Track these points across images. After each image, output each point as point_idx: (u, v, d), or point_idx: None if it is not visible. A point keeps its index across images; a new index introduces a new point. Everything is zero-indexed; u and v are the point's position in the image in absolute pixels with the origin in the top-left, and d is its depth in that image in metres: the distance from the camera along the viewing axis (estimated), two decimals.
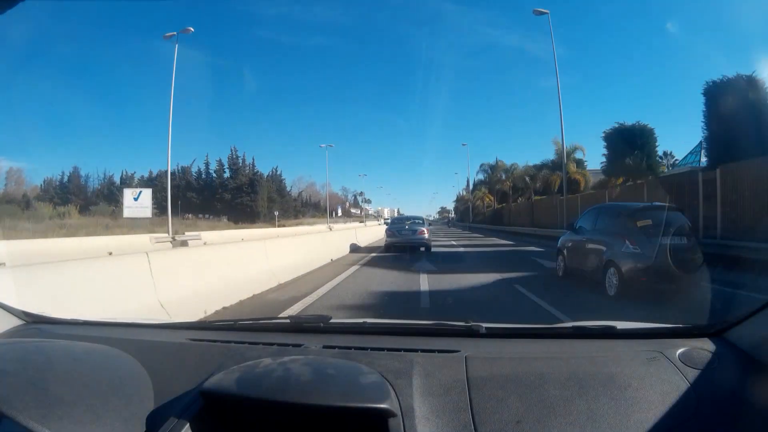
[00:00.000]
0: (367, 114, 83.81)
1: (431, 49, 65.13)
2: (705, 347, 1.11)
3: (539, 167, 30.01)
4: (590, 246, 6.69)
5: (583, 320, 1.39)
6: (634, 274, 5.45)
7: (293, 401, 0.89)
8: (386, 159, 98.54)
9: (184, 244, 16.78)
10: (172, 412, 0.92)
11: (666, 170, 19.55)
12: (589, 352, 1.17)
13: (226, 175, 52.08)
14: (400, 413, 0.88)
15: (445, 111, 67.59)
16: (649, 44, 53.16)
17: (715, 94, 13.07)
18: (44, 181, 47.44)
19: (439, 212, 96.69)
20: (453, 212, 76.81)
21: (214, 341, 1.37)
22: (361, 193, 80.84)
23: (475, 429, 0.86)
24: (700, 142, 22.83)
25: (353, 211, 77.48)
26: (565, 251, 7.58)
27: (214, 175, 52.54)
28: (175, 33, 17.98)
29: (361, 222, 53.13)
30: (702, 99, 12.84)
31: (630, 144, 16.32)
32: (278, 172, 57.60)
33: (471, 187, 50.63)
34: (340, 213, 62.56)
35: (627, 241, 5.65)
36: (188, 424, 0.89)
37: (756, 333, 1.08)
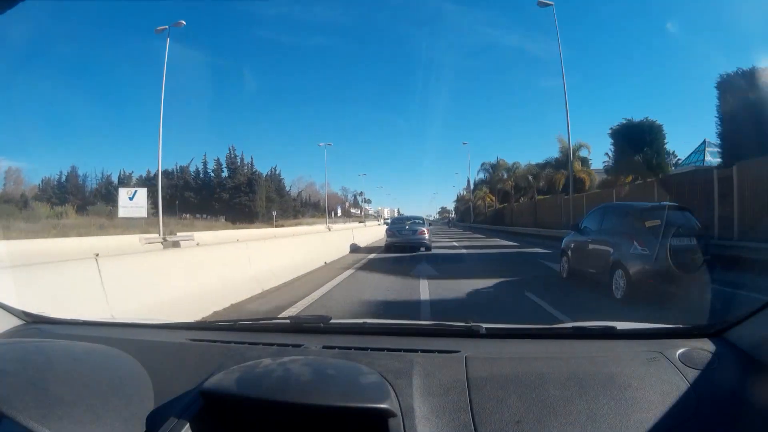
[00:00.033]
0: (367, 114, 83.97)
1: (431, 49, 65.41)
2: (705, 347, 1.11)
3: (542, 166, 29.53)
4: (596, 247, 6.55)
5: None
6: (642, 276, 5.33)
7: (293, 401, 0.89)
8: (386, 159, 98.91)
9: (176, 244, 16.25)
10: (172, 412, 0.92)
11: (671, 170, 18.96)
12: (589, 353, 1.17)
13: (225, 174, 51.62)
14: (400, 413, 0.88)
15: (445, 111, 68.02)
16: (649, 44, 54.31)
17: (729, 87, 12.48)
18: (42, 181, 47.73)
19: (439, 212, 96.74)
20: (453, 212, 76.81)
21: (214, 341, 1.38)
22: (361, 193, 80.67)
23: (475, 429, 0.86)
24: (704, 141, 22.25)
25: (353, 211, 77.22)
26: (569, 252, 7.44)
27: (212, 174, 52.40)
28: (166, 27, 17.49)
29: (360, 222, 52.88)
30: (713, 94, 12.30)
31: (638, 141, 15.73)
32: (277, 172, 57.39)
33: (472, 186, 50.23)
34: (339, 213, 62.28)
35: (635, 242, 5.51)
36: (188, 424, 0.89)
37: (756, 333, 1.08)
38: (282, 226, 38.61)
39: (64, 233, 22.05)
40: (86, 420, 0.87)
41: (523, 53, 62.04)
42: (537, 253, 12.95)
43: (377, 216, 76.63)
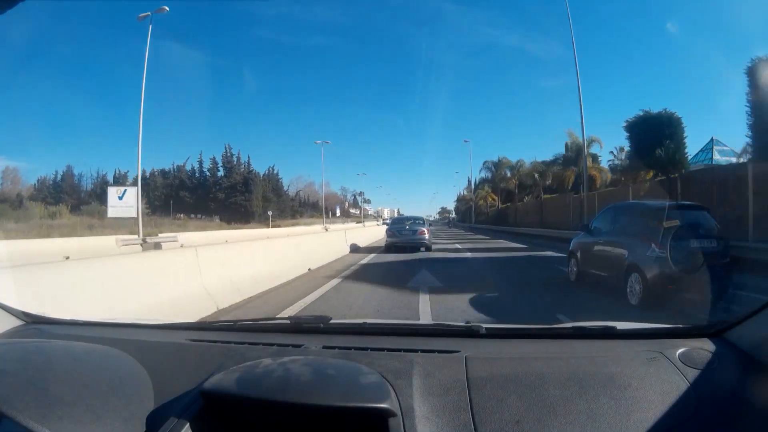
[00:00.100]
0: (367, 114, 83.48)
1: (431, 49, 65.06)
2: (705, 347, 1.12)
3: (549, 163, 28.36)
4: (608, 249, 6.25)
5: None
6: (660, 280, 5.02)
7: (293, 401, 0.90)
8: (386, 159, 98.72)
9: (157, 246, 14.99)
10: (172, 412, 0.93)
11: (689, 166, 17.79)
12: (589, 352, 1.18)
13: (220, 173, 50.42)
14: (400, 413, 0.89)
15: (446, 110, 67.89)
16: (650, 43, 53.74)
17: (761, 72, 11.20)
18: (38, 181, 47.84)
19: (439, 212, 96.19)
20: (453, 212, 76.28)
21: (214, 341, 1.39)
22: (361, 193, 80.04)
23: (475, 429, 0.88)
24: (712, 139, 21.01)
25: (352, 211, 76.41)
26: (578, 254, 7.17)
27: (208, 173, 51.16)
28: (149, 13, 16.42)
29: (359, 222, 51.84)
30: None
31: (657, 134, 14.45)
32: (275, 171, 56.62)
33: (473, 186, 49.06)
34: (338, 213, 61.54)
35: (653, 244, 5.19)
36: (188, 424, 0.90)
37: (756, 333, 1.09)
38: (278, 226, 37.91)
39: (50, 234, 21.47)
40: (86, 420, 0.88)
41: (523, 53, 61.95)
42: (550, 258, 12.01)
43: (377, 216, 76.05)
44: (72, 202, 39.92)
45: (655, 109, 15.06)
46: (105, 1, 41.35)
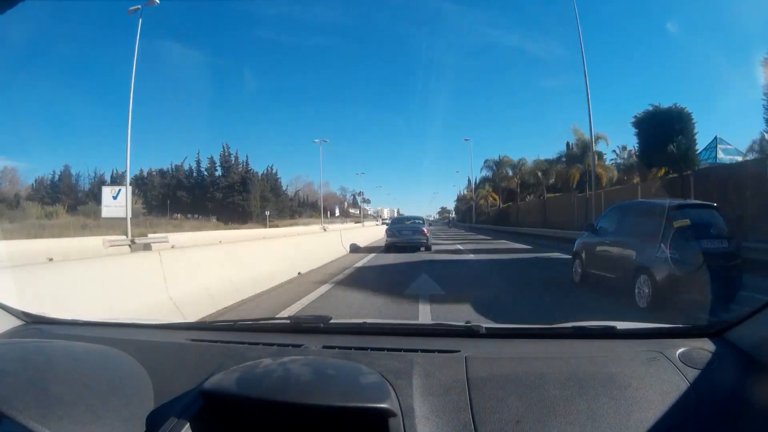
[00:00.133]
0: (367, 113, 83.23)
1: (431, 49, 64.84)
2: (705, 347, 1.12)
3: (552, 161, 27.71)
4: (615, 250, 6.11)
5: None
6: (670, 282, 4.88)
7: (293, 401, 0.90)
8: (386, 159, 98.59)
9: (146, 247, 14.36)
10: (172, 412, 0.94)
11: (699, 163, 17.18)
12: (589, 352, 1.18)
13: (218, 173, 49.76)
14: (400, 413, 0.89)
15: (446, 110, 67.67)
16: (650, 43, 53.69)
17: None
18: (36, 181, 47.97)
19: (439, 212, 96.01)
20: (453, 212, 75.75)
21: (214, 341, 1.39)
22: (360, 193, 79.76)
23: (475, 429, 0.88)
24: (716, 137, 20.35)
25: (352, 211, 75.86)
26: (583, 254, 7.03)
27: (206, 173, 50.54)
28: (139, 6, 15.81)
29: (358, 222, 51.24)
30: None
31: (667, 130, 13.86)
32: (274, 171, 56.02)
33: (474, 185, 48.45)
34: (337, 213, 60.90)
35: (662, 245, 5.03)
36: (188, 424, 0.91)
37: (756, 333, 1.09)
38: (276, 226, 37.48)
39: (41, 234, 21.34)
40: (86, 420, 0.88)
41: (523, 53, 61.91)
42: (557, 260, 11.58)
43: (376, 216, 75.70)
44: (69, 202, 40.00)
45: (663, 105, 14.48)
46: (104, 1, 41.06)
